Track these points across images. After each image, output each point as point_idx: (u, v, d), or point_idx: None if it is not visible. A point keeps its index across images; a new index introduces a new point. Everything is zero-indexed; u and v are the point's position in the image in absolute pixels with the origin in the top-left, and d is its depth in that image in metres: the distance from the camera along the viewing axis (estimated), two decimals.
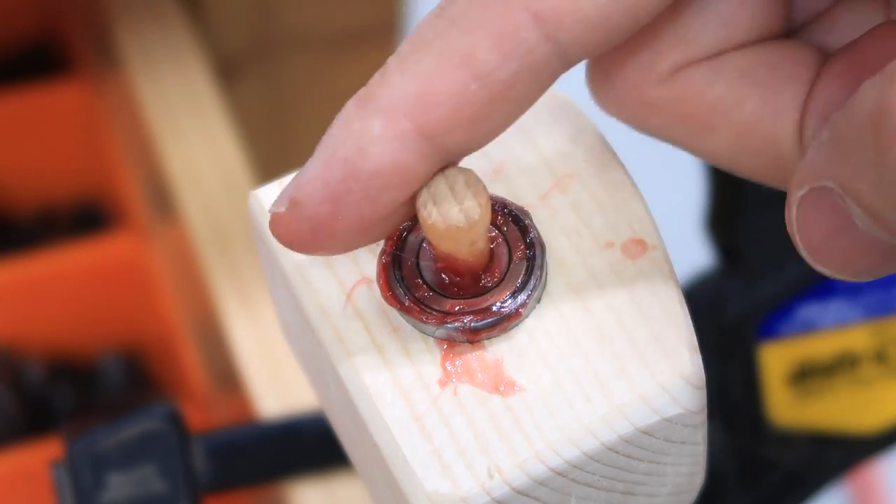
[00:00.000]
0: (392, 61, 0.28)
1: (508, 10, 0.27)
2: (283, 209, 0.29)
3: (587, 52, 0.28)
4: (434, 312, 0.30)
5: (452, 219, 0.29)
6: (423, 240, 0.31)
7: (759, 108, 0.31)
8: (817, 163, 0.28)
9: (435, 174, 0.29)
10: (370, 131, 0.28)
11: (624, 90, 0.32)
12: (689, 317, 0.31)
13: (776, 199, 0.50)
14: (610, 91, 0.32)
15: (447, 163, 0.29)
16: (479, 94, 0.28)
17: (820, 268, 0.29)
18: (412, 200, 0.29)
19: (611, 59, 0.31)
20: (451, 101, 0.28)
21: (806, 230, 0.29)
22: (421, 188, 0.29)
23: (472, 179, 0.29)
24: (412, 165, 0.28)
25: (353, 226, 0.29)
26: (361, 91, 0.28)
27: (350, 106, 0.28)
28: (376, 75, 0.28)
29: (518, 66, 0.28)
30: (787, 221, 0.29)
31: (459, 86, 0.27)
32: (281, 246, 0.32)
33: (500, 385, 0.30)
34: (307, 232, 0.29)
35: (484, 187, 0.29)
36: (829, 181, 0.27)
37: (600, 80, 0.32)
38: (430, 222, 0.29)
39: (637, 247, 0.31)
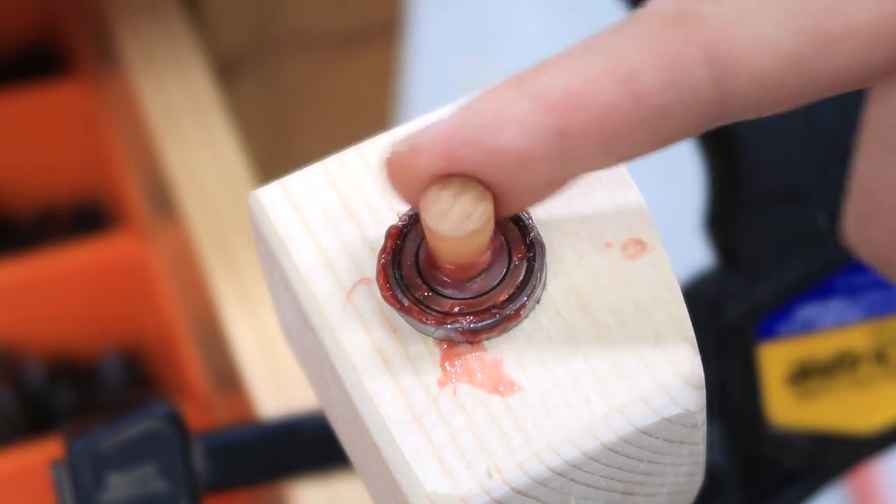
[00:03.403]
0: (559, 55, 0.28)
1: (687, 42, 0.27)
2: (402, 149, 0.29)
3: (747, 109, 0.28)
4: (433, 313, 0.30)
5: (457, 227, 0.29)
6: (423, 239, 0.31)
7: None
8: None
9: (438, 181, 0.29)
10: (514, 110, 0.28)
11: (882, 236, 0.31)
12: (688, 317, 0.31)
13: (775, 200, 0.50)
14: (865, 235, 0.31)
15: (568, 173, 0.29)
16: (629, 113, 0.27)
17: None
18: (521, 189, 0.29)
19: (870, 203, 0.31)
20: (600, 111, 0.27)
21: None
22: (424, 195, 0.29)
23: (474, 186, 0.29)
24: (537, 158, 0.28)
25: None
26: (521, 72, 0.28)
27: (503, 82, 0.28)
28: (540, 63, 0.28)
29: (676, 98, 0.27)
30: None
31: (613, 98, 0.27)
32: (281, 246, 0.32)
33: (500, 385, 0.30)
34: (415, 179, 0.29)
35: (489, 199, 0.29)
36: None
37: (858, 221, 0.31)
38: (434, 230, 0.29)
39: (637, 247, 0.31)
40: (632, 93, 0.27)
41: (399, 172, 0.29)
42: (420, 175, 0.29)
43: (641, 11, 0.28)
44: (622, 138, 0.28)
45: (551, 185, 0.29)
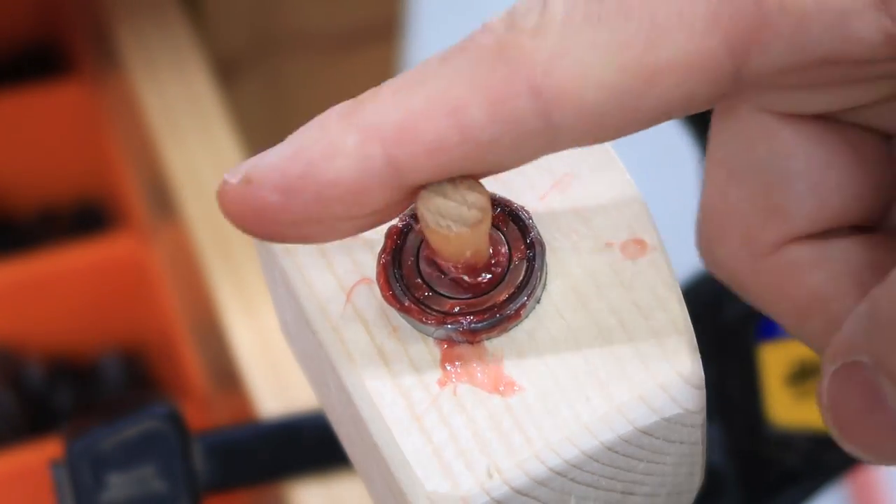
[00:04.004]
0: (387, 85, 0.28)
1: (511, 77, 0.27)
2: (234, 180, 0.29)
3: (575, 139, 0.28)
4: (434, 313, 0.30)
5: (454, 225, 0.29)
6: (423, 239, 0.31)
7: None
8: (854, 336, 0.27)
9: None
10: (343, 142, 0.28)
11: (726, 257, 0.32)
12: (688, 317, 0.31)
13: None
14: (713, 255, 0.32)
15: (407, 197, 0.29)
16: (457, 147, 0.28)
17: (848, 447, 0.28)
18: (361, 219, 0.29)
19: (715, 225, 0.31)
20: (427, 144, 0.28)
21: (836, 406, 0.28)
22: (421, 192, 0.29)
23: (473, 184, 0.29)
24: (370, 189, 0.28)
25: (297, 224, 0.29)
26: (349, 102, 0.28)
27: (333, 112, 0.28)
28: (369, 92, 0.28)
29: (502, 131, 0.27)
30: (816, 396, 0.29)
31: (440, 132, 0.27)
32: (281, 246, 0.32)
33: (500, 385, 0.30)
34: (251, 212, 0.29)
35: (485, 191, 0.29)
36: (864, 356, 0.27)
37: (705, 242, 0.32)
38: (432, 228, 0.29)
39: (637, 247, 0.31)
40: (459, 126, 0.27)
41: (234, 203, 0.29)
42: (256, 208, 0.29)
43: (466, 42, 0.28)
44: (452, 168, 0.28)
45: (387, 208, 0.29)
